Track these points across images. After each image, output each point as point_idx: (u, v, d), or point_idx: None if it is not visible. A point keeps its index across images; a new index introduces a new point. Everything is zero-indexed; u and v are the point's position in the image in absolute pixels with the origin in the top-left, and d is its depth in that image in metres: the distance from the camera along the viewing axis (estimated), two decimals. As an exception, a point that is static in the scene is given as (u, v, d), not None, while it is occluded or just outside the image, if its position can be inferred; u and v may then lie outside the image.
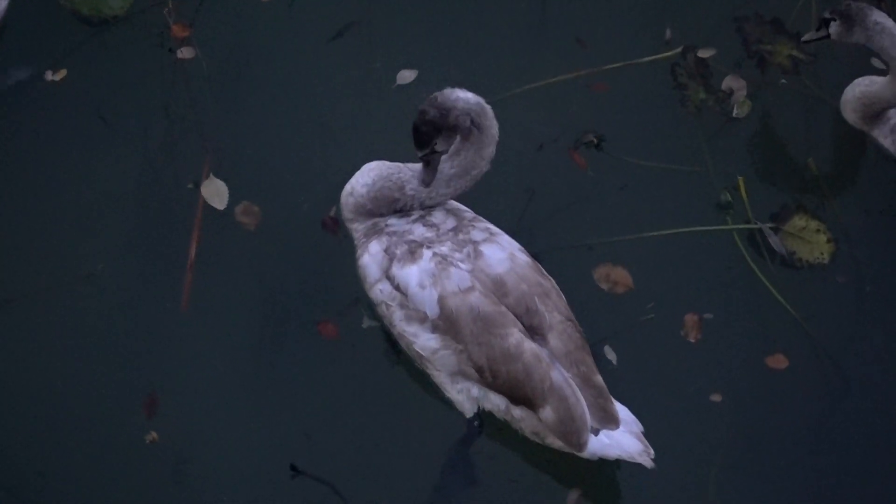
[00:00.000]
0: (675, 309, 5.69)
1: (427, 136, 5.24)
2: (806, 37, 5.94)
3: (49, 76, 6.10)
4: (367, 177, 5.50)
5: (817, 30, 5.86)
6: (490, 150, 5.39)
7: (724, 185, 5.95)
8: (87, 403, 5.49)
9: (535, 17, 6.32)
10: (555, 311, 5.23)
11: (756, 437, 5.49)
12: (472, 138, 5.34)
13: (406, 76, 6.17)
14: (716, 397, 5.54)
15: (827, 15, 5.78)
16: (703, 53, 6.21)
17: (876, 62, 6.11)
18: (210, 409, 5.49)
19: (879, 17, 5.71)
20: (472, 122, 5.27)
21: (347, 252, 5.62)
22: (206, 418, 5.47)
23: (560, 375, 5.13)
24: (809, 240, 5.84)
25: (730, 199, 5.91)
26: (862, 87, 5.92)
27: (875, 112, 5.91)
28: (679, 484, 5.39)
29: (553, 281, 5.35)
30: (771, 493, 5.40)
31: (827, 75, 6.18)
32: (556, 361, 5.16)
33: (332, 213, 5.79)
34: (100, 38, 6.20)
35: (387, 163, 5.52)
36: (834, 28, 5.77)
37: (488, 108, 5.30)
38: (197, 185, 5.89)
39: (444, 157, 5.39)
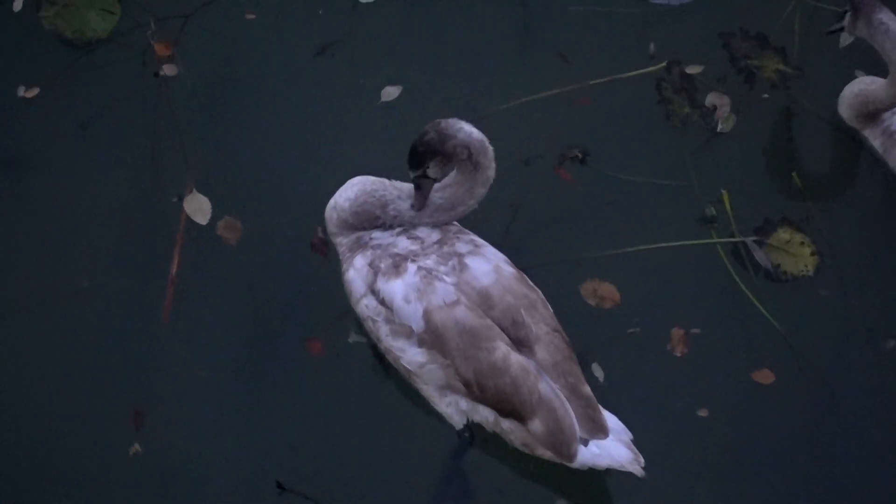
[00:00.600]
0: (661, 324, 5.69)
1: (421, 157, 5.24)
2: (829, 28, 5.92)
3: (21, 92, 6.11)
4: (350, 191, 5.48)
5: (839, 21, 5.85)
6: (481, 191, 5.38)
7: (708, 199, 5.95)
8: (74, 417, 5.47)
9: (517, 33, 6.33)
10: (541, 323, 5.21)
11: (743, 452, 5.47)
12: (466, 174, 5.33)
13: (390, 92, 6.17)
14: (703, 412, 5.52)
15: (846, 7, 5.77)
16: (689, 69, 6.23)
17: (859, 74, 6.13)
18: (196, 423, 5.47)
19: (886, 16, 5.67)
20: (470, 156, 5.27)
21: (331, 266, 5.61)
22: (191, 432, 5.45)
23: (548, 387, 5.11)
24: (794, 253, 5.85)
25: (714, 212, 5.92)
26: (862, 86, 5.93)
27: (870, 112, 5.92)
28: (665, 497, 5.37)
29: (539, 292, 5.34)
30: (757, 508, 5.42)
31: (813, 89, 6.20)
32: (543, 373, 5.14)
33: (319, 234, 5.78)
34: (84, 59, 6.19)
35: (371, 178, 5.50)
36: (847, 20, 5.77)
37: (490, 149, 5.29)
38: (181, 199, 5.89)
39: (435, 186, 5.39)
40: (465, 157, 5.26)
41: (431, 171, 5.30)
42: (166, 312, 5.67)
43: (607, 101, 6.17)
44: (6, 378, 5.55)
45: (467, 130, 5.24)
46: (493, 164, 5.34)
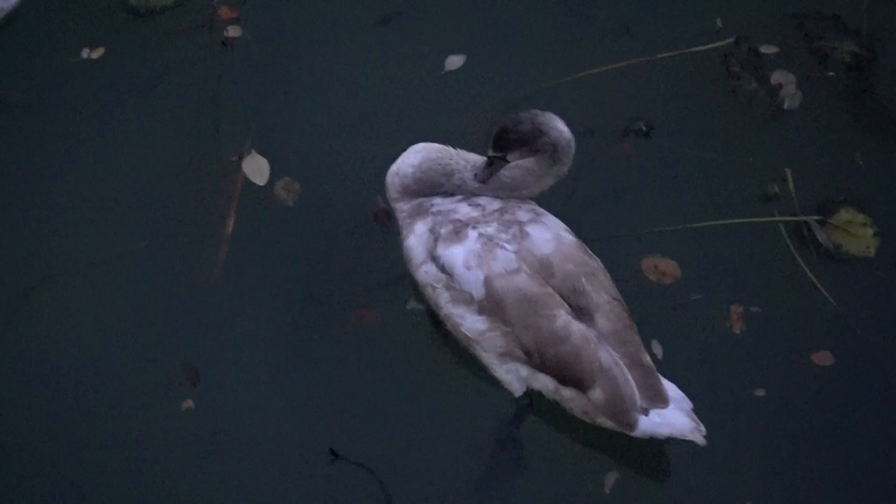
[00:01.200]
0: (720, 301, 5.65)
1: (509, 143, 5.22)
2: None
3: (86, 54, 6.12)
4: (415, 158, 5.45)
5: None
6: (550, 182, 5.38)
7: (771, 177, 5.91)
8: (127, 372, 5.49)
9: (582, 4, 6.31)
10: (601, 291, 5.18)
11: (798, 434, 5.42)
12: (543, 165, 5.31)
13: (454, 61, 6.15)
14: (760, 392, 5.49)
15: None
16: (757, 46, 6.19)
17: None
18: (249, 383, 5.47)
19: None
20: (554, 152, 5.26)
21: (389, 233, 5.63)
22: (244, 392, 5.46)
23: (608, 356, 5.09)
24: (855, 233, 5.81)
25: (777, 190, 5.88)
26: None
27: None
28: (718, 474, 5.33)
29: (599, 261, 5.31)
30: (811, 491, 5.33)
31: (882, 71, 6.16)
32: (603, 342, 5.11)
33: (381, 203, 5.76)
34: (148, 26, 6.21)
35: (436, 145, 5.46)
36: None
37: (573, 149, 5.29)
38: (240, 159, 5.89)
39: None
40: (549, 153, 5.26)
41: (511, 157, 5.28)
42: (217, 271, 5.66)
43: (672, 75, 6.14)
44: (63, 336, 5.56)
45: (560, 129, 5.23)
46: (570, 164, 5.33)
